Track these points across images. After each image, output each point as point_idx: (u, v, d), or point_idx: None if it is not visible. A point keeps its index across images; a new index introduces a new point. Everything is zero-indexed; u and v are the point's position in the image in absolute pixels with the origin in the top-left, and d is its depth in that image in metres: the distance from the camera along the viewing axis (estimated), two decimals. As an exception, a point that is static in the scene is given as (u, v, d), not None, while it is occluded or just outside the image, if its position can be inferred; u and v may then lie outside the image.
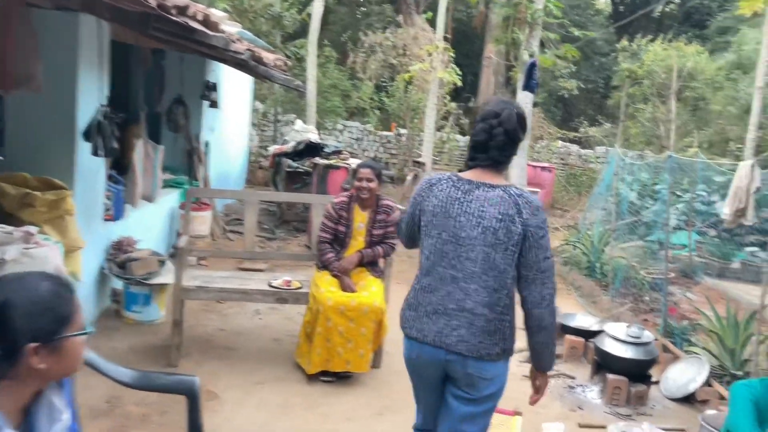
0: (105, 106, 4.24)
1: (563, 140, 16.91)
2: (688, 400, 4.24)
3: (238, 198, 6.33)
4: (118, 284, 4.88)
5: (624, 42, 16.67)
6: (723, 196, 8.78)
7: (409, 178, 10.91)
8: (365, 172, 4.15)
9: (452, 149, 15.46)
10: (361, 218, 4.24)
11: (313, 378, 4.05)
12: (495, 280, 2.13)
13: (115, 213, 4.88)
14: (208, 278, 4.34)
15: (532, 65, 5.70)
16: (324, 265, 4.19)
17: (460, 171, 2.32)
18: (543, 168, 13.61)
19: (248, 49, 4.96)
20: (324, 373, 4.04)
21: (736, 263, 7.83)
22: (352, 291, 4.04)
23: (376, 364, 4.34)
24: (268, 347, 4.59)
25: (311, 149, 8.34)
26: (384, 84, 15.75)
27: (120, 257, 4.71)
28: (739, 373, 4.26)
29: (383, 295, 4.19)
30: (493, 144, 2.17)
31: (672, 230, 6.89)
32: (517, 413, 3.61)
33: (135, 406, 3.55)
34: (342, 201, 4.24)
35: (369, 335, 3.99)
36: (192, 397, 2.35)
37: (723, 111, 13.59)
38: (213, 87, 7.09)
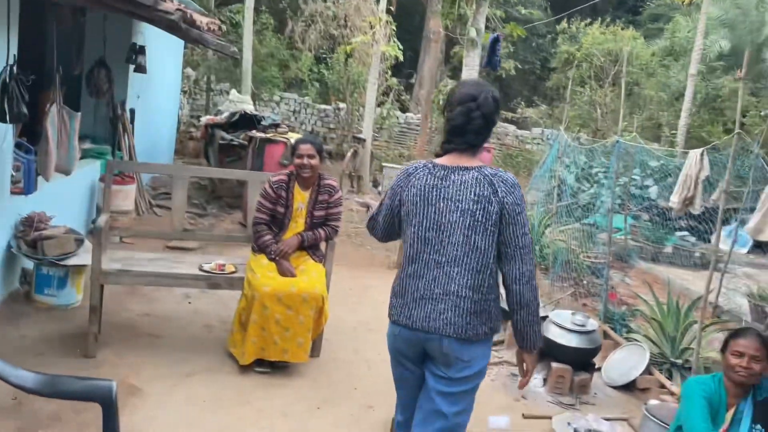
0: (12, 66, 3.74)
1: (500, 120, 16.99)
2: (629, 387, 4.23)
3: (166, 173, 5.88)
4: (28, 264, 4.41)
5: (563, 24, 16.79)
6: (656, 181, 8.98)
7: (348, 154, 10.62)
8: (305, 147, 3.85)
9: (392, 126, 15.23)
10: (301, 198, 3.95)
11: (246, 369, 3.77)
12: (477, 261, 2.16)
13: (25, 186, 4.38)
14: (131, 260, 3.96)
15: (496, 40, 5.45)
16: (261, 249, 3.89)
17: (436, 156, 2.31)
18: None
19: (179, 9, 4.52)
20: (259, 362, 3.76)
21: (668, 247, 8.01)
22: (292, 275, 3.76)
23: (315, 353, 4.11)
24: (198, 335, 4.27)
25: (247, 121, 7.90)
26: (324, 56, 15.27)
27: (31, 235, 4.24)
28: (679, 361, 4.28)
29: (324, 280, 3.94)
30: (470, 128, 2.18)
31: (608, 213, 6.92)
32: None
33: (45, 403, 3.17)
34: (281, 180, 3.94)
35: (308, 323, 3.74)
36: (107, 406, 2.04)
37: (655, 96, 13.93)
38: (141, 50, 6.54)
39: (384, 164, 10.39)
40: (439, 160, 2.27)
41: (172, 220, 4.32)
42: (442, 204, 2.18)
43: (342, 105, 15.02)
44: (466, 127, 2.18)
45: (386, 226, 2.43)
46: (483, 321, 2.20)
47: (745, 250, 8.62)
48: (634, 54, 13.93)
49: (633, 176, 8.97)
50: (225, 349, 3.98)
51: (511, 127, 16.89)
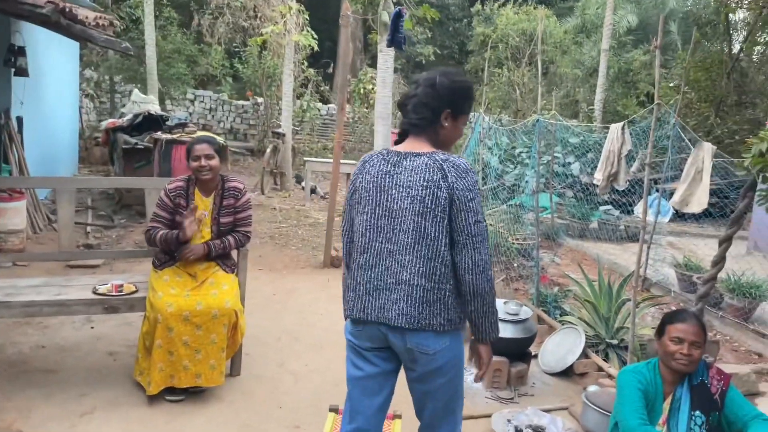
0: None
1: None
2: (567, 373, 4.10)
3: (45, 186, 5.33)
4: None
5: (478, 6, 16.81)
6: (578, 157, 9.04)
7: (268, 150, 10.18)
8: (201, 148, 3.47)
9: (313, 118, 14.83)
10: (203, 205, 3.57)
11: (157, 399, 3.38)
12: (428, 248, 2.08)
13: None
14: (13, 289, 3.48)
15: (398, 15, 5.11)
16: (162, 244, 3.46)
17: (395, 144, 2.26)
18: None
19: (50, 2, 4.01)
20: (170, 390, 3.38)
21: (594, 223, 8.06)
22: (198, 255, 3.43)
23: (234, 371, 3.76)
24: (101, 364, 3.82)
25: (152, 122, 7.34)
26: (236, 49, 14.66)
27: None
28: (614, 341, 4.19)
29: (237, 292, 3.58)
30: (409, 106, 2.17)
31: (534, 194, 6.86)
32: (397, 416, 3.23)
33: None
34: (178, 186, 3.54)
35: (222, 342, 3.38)
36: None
37: (570, 74, 14.14)
38: (20, 51, 5.90)
39: (306, 159, 10.00)
40: (395, 147, 2.23)
41: (59, 240, 3.83)
42: (394, 191, 2.13)
43: (260, 100, 14.49)
44: (406, 105, 2.18)
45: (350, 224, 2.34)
46: (437, 311, 2.10)
47: (667, 219, 8.79)
48: (548, 33, 14.08)
49: (555, 154, 8.99)
50: (132, 378, 3.57)
51: (434, 112, 16.81)
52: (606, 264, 6.83)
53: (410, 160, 2.12)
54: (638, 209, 8.61)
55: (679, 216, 7.92)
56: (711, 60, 10.89)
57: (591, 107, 12.00)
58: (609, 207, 8.37)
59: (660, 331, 2.48)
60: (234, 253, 3.79)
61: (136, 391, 3.48)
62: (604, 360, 4.10)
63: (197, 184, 3.56)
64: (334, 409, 3.23)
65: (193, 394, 3.45)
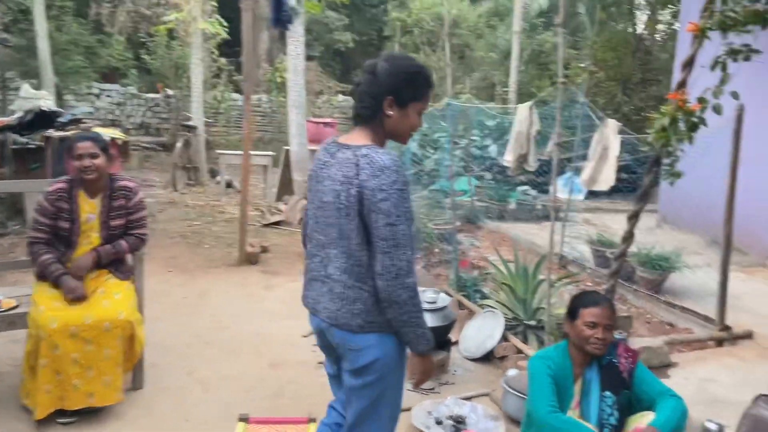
0: None
1: (344, 94, 16.69)
2: (488, 358, 4.05)
3: None
4: None
5: (392, -9, 16.72)
6: (495, 140, 9.11)
7: (178, 144, 9.72)
8: (85, 146, 3.16)
9: (229, 109, 14.33)
10: (90, 208, 3.26)
11: (47, 422, 3.06)
12: (346, 246, 2.00)
13: None
14: None
15: None
16: (42, 273, 3.15)
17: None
18: (326, 124, 13.17)
19: None
20: (61, 412, 3.07)
21: (512, 204, 8.13)
22: (80, 297, 3.08)
23: (136, 384, 3.48)
24: (-18, 389, 3.45)
25: (45, 119, 6.79)
26: (142, 39, 13.94)
27: None
28: (533, 322, 4.18)
29: (133, 301, 3.30)
30: (355, 95, 2.07)
31: (453, 177, 6.85)
32: (311, 420, 3.06)
33: None
34: (59, 188, 3.21)
35: (117, 357, 3.10)
36: None
37: (486, 57, 14.28)
38: None
39: (220, 152, 9.61)
40: (342, 136, 2.13)
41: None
42: (327, 182, 2.05)
43: (171, 92, 13.86)
44: (354, 93, 2.08)
45: None
46: (356, 311, 2.00)
47: (582, 197, 9.02)
48: (462, 17, 14.15)
49: (473, 137, 9.02)
50: (19, 401, 3.23)
51: (355, 100, 16.66)
52: (525, 244, 6.90)
53: (342, 152, 2.02)
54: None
55: (592, 193, 8.12)
56: (617, 40, 11.24)
57: (506, 89, 12.15)
58: (526, 187, 8.48)
59: (572, 314, 2.42)
60: (129, 258, 3.50)
61: (24, 415, 3.15)
62: (523, 342, 4.08)
63: (82, 185, 3.24)
64: (244, 419, 3.03)
65: (89, 413, 3.16)
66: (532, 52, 13.72)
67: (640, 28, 11.35)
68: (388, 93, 1.98)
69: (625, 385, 2.32)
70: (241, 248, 5.94)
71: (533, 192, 8.38)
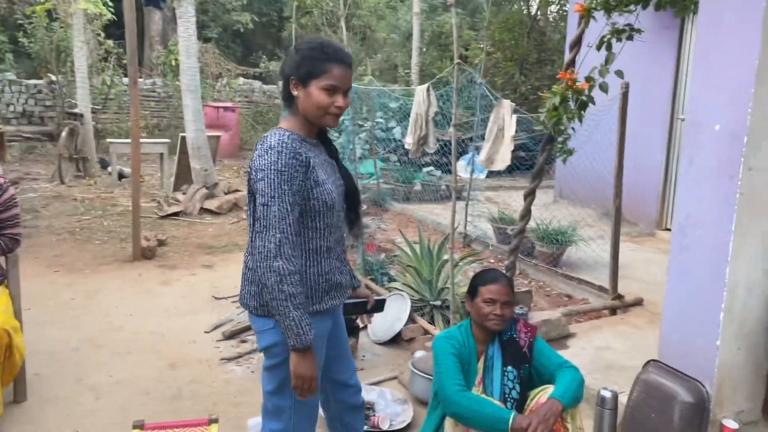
0: None
1: (245, 77, 16.16)
2: (396, 340, 4.05)
3: None
4: None
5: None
6: (399, 121, 9.12)
7: (63, 134, 9.04)
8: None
9: (120, 95, 13.50)
10: (-52, 207, 2.92)
11: None
12: (251, 227, 1.95)
13: None
14: None
15: None
16: None
17: None
18: (226, 108, 12.74)
19: None
20: (-71, 436, 2.77)
21: (417, 185, 8.19)
22: None
23: (18, 398, 3.20)
24: None
25: None
26: (20, 21, 12.83)
27: None
28: (438, 302, 4.20)
29: (8, 308, 3.01)
30: None
31: (358, 160, 6.79)
32: (213, 420, 2.91)
33: None
34: None
35: (-10, 370, 2.82)
36: None
37: (388, 38, 14.27)
38: None
39: (110, 140, 9.03)
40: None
41: None
42: None
43: (55, 78, 12.87)
44: None
45: None
46: (253, 292, 2.00)
47: (483, 176, 9.22)
48: (363, -2, 14.04)
49: (377, 119, 8.99)
50: None
51: (257, 83, 16.19)
52: (431, 224, 6.98)
53: None
54: (458, 168, 8.94)
55: (493, 172, 8.32)
56: (513, 21, 11.52)
57: (407, 71, 12.21)
58: (431, 168, 8.56)
59: (472, 292, 2.44)
60: (2, 261, 3.19)
61: None
62: (430, 323, 4.11)
63: (-63, 182, 2.90)
64: (138, 425, 2.83)
65: (-38, 434, 2.87)
66: (433, 33, 13.85)
67: (534, 8, 11.71)
68: (290, 73, 1.96)
69: (526, 360, 2.37)
70: (134, 242, 5.60)
71: (438, 173, 8.48)
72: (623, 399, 2.82)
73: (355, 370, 2.42)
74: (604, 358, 3.54)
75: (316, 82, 1.92)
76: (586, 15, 3.19)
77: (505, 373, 2.34)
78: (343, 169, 2.18)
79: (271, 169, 1.84)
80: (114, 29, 12.45)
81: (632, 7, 3.22)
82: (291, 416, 2.05)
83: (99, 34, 11.86)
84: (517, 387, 2.32)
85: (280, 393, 2.03)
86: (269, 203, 1.83)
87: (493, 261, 5.65)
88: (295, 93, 1.96)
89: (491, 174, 9.12)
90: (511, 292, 2.38)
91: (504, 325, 2.35)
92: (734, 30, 2.46)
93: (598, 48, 3.29)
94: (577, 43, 3.34)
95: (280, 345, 1.94)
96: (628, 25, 3.28)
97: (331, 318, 2.12)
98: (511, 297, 2.36)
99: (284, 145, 1.86)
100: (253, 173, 1.89)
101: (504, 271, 3.91)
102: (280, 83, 2.04)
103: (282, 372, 1.98)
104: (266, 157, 1.86)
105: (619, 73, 3.31)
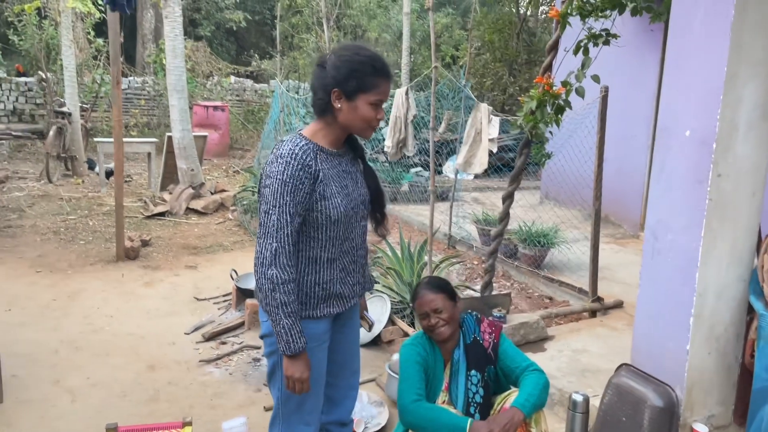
0: None
1: (237, 75, 16.13)
2: (376, 342, 4.06)
3: None
4: None
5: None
6: (388, 122, 9.11)
7: (51, 133, 9.01)
8: None
9: (110, 93, 13.43)
10: None
11: None
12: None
13: None
14: None
15: None
16: None
17: None
18: (216, 107, 12.70)
19: None
20: None
21: (404, 186, 8.19)
22: None
23: (-7, 400, 3.19)
24: None
25: None
26: (10, 19, 12.78)
27: None
28: (418, 305, 4.21)
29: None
30: (311, 87, 2.03)
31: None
32: (186, 423, 2.92)
33: None
34: None
35: (-38, 373, 2.81)
36: None
37: (379, 38, 14.26)
38: None
39: (97, 140, 8.99)
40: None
41: None
42: None
43: (45, 75, 12.81)
44: (311, 86, 2.05)
45: None
46: (260, 298, 2.02)
47: (471, 177, 9.23)
48: (354, -3, 14.02)
49: (365, 119, 8.97)
50: None
51: (249, 82, 16.15)
52: (417, 225, 6.98)
53: None
54: (446, 169, 8.94)
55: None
56: (503, 21, 11.53)
57: (397, 71, 12.20)
58: (419, 169, 8.57)
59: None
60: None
61: None
62: (410, 325, 4.12)
63: None
64: (112, 428, 2.83)
65: (-66, 438, 2.86)
66: (424, 33, 13.85)
67: (523, 9, 11.72)
68: (335, 85, 1.92)
69: (490, 361, 2.35)
70: (118, 243, 5.58)
71: (426, 173, 8.48)
72: (596, 402, 2.84)
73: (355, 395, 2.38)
74: (580, 361, 3.55)
75: (365, 96, 1.92)
76: (561, 20, 3.20)
77: (469, 377, 2.34)
78: (368, 170, 2.18)
79: (276, 179, 1.87)
80: (105, 27, 12.42)
81: (608, 12, 3.24)
82: (278, 404, 2.11)
83: (89, 33, 11.81)
84: (481, 391, 2.31)
85: (272, 378, 2.10)
86: (270, 212, 1.87)
87: (476, 262, 5.66)
88: (337, 105, 1.93)
89: (478, 174, 9.13)
90: (438, 296, 2.32)
91: (450, 329, 2.32)
92: (704, 37, 2.48)
93: (575, 53, 3.31)
94: (554, 47, 3.35)
95: (274, 336, 2.00)
96: (605, 29, 3.30)
97: (330, 323, 2.11)
98: (439, 302, 2.31)
99: (294, 155, 1.87)
100: (263, 178, 1.93)
101: (485, 273, 3.93)
102: (314, 91, 1.99)
103: (273, 359, 2.06)
104: (275, 165, 1.89)
105: (596, 78, 3.32)
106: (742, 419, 2.75)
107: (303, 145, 1.91)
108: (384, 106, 2.02)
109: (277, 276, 1.86)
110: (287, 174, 1.86)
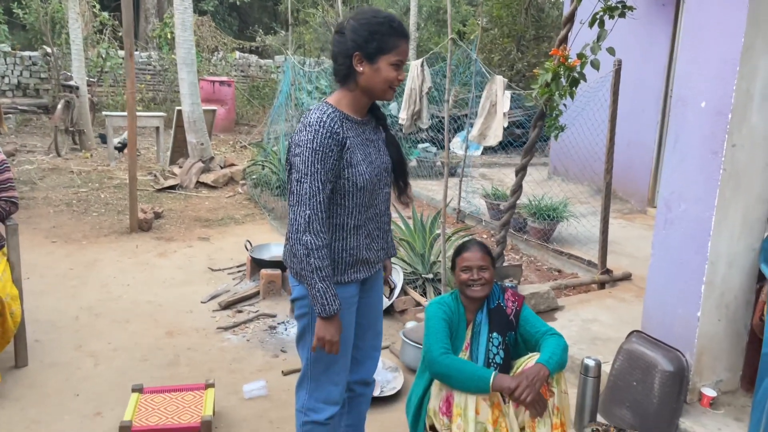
0: None
1: (242, 51, 16.05)
2: (389, 311, 4.13)
3: None
4: None
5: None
6: (396, 97, 9.11)
7: (59, 106, 9.02)
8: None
9: (116, 68, 13.42)
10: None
11: None
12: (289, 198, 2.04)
13: None
14: None
15: None
16: None
17: None
18: (222, 82, 12.67)
19: None
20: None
21: (413, 161, 8.22)
22: None
23: (19, 363, 3.29)
24: None
25: None
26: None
27: None
28: (430, 275, 4.29)
29: (7, 275, 3.07)
30: (332, 56, 2.06)
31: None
32: (209, 385, 3.01)
33: None
34: None
35: (-10, 335, 2.89)
36: None
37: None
38: None
39: (106, 113, 9.00)
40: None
41: None
42: None
43: (50, 50, 12.77)
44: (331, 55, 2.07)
45: None
46: (286, 254, 2.16)
47: (479, 153, 9.26)
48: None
49: (373, 95, 8.97)
50: None
51: (253, 57, 16.07)
52: (426, 200, 7.04)
53: None
54: (453, 145, 8.96)
55: (488, 148, 8.36)
56: (511, -3, 11.44)
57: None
58: (427, 144, 8.59)
59: (453, 265, 2.52)
60: (1, 229, 3.25)
61: None
62: (422, 295, 4.19)
63: (-65, 151, 2.94)
64: (137, 389, 2.93)
65: (-35, 396, 2.96)
66: (431, 8, 13.76)
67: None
68: (355, 49, 1.94)
69: (512, 327, 2.44)
70: (132, 214, 5.65)
71: (434, 149, 8.51)
72: (607, 368, 2.92)
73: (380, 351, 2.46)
74: (591, 329, 3.63)
75: (386, 57, 1.94)
76: (578, -8, 3.21)
77: (491, 340, 2.42)
78: (390, 138, 2.20)
79: (306, 147, 1.90)
80: (109, 1, 12.36)
81: (624, -16, 3.25)
82: (308, 364, 2.16)
83: (94, 6, 11.75)
84: (501, 353, 2.40)
85: (302, 340, 2.16)
86: (302, 180, 1.91)
87: (485, 236, 5.72)
88: (360, 69, 1.96)
89: (486, 151, 9.15)
90: (486, 257, 2.43)
91: (485, 290, 2.40)
92: (721, 8, 2.51)
93: (591, 25, 3.33)
94: (570, 19, 3.37)
95: (305, 299, 2.07)
96: (621, 2, 3.31)
97: (358, 287, 2.17)
98: (485, 261, 2.41)
99: (322, 123, 1.91)
100: (293, 147, 1.96)
101: (496, 245, 4.00)
102: (334, 59, 2.01)
103: (303, 321, 2.13)
104: (304, 134, 1.92)
105: (611, 50, 3.35)
106: (749, 385, 2.83)
107: (330, 113, 1.95)
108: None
109: (311, 242, 1.91)
110: (317, 142, 1.90)
